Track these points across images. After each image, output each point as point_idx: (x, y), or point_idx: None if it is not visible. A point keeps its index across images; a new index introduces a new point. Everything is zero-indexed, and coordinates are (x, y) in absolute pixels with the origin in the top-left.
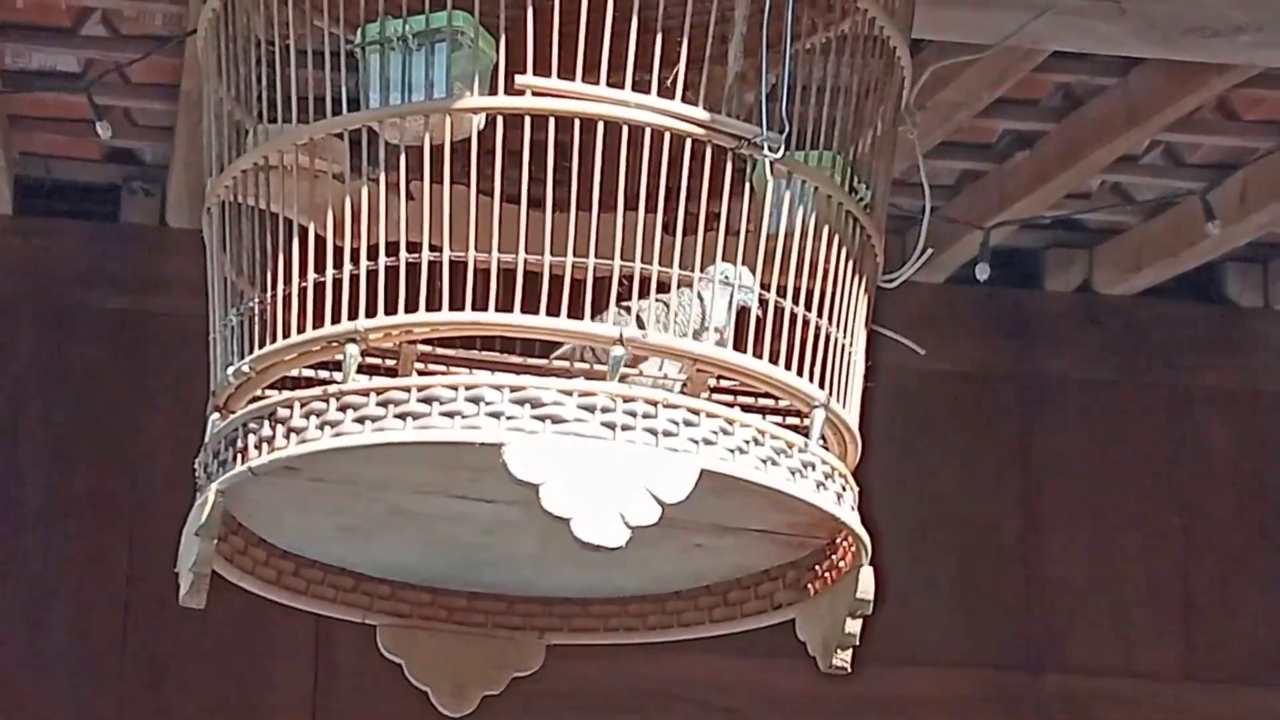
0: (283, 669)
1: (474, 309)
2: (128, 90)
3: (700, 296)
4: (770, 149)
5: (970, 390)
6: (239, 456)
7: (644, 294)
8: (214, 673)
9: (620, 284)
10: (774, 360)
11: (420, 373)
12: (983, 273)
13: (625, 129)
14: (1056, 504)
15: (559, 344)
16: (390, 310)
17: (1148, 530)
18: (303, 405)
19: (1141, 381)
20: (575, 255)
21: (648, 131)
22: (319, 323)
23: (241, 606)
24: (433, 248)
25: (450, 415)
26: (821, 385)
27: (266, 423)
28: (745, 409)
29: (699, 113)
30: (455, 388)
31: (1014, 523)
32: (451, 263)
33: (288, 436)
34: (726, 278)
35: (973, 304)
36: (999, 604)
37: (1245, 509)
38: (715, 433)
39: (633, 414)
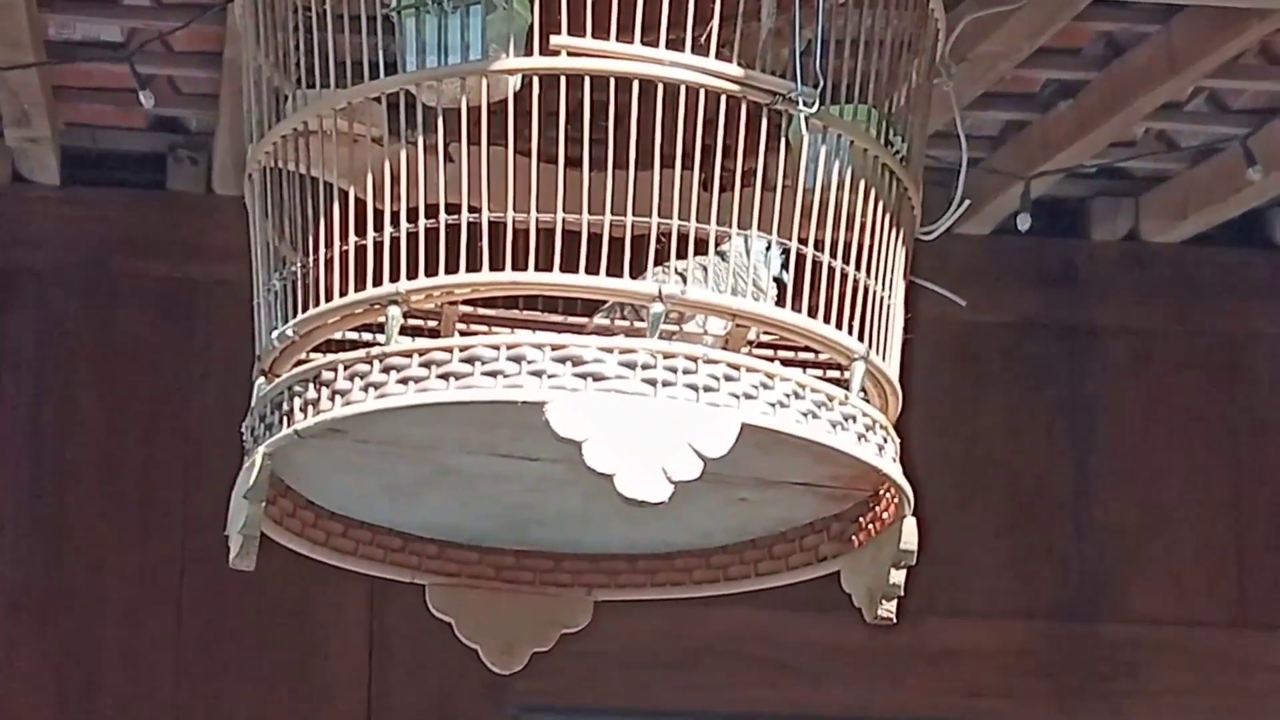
0: (337, 636)
1: (514, 269)
2: (171, 59)
3: (739, 254)
4: (805, 104)
5: (1018, 341)
6: (285, 420)
7: (682, 252)
8: (270, 638)
9: (659, 241)
10: (813, 314)
11: (462, 333)
12: (1024, 223)
13: (660, 87)
14: (1106, 454)
15: (600, 303)
16: (431, 272)
17: (1198, 478)
18: (346, 368)
19: (1190, 328)
20: (613, 214)
21: (683, 89)
22: (361, 285)
23: (296, 572)
24: (472, 209)
25: (492, 375)
26: (861, 338)
27: (311, 385)
28: (785, 363)
29: (734, 69)
30: (497, 347)
31: (1064, 473)
32: (491, 223)
33: (332, 399)
34: (766, 240)
35: (1019, 254)
36: (1050, 555)
37: None
38: (756, 387)
39: (673, 370)
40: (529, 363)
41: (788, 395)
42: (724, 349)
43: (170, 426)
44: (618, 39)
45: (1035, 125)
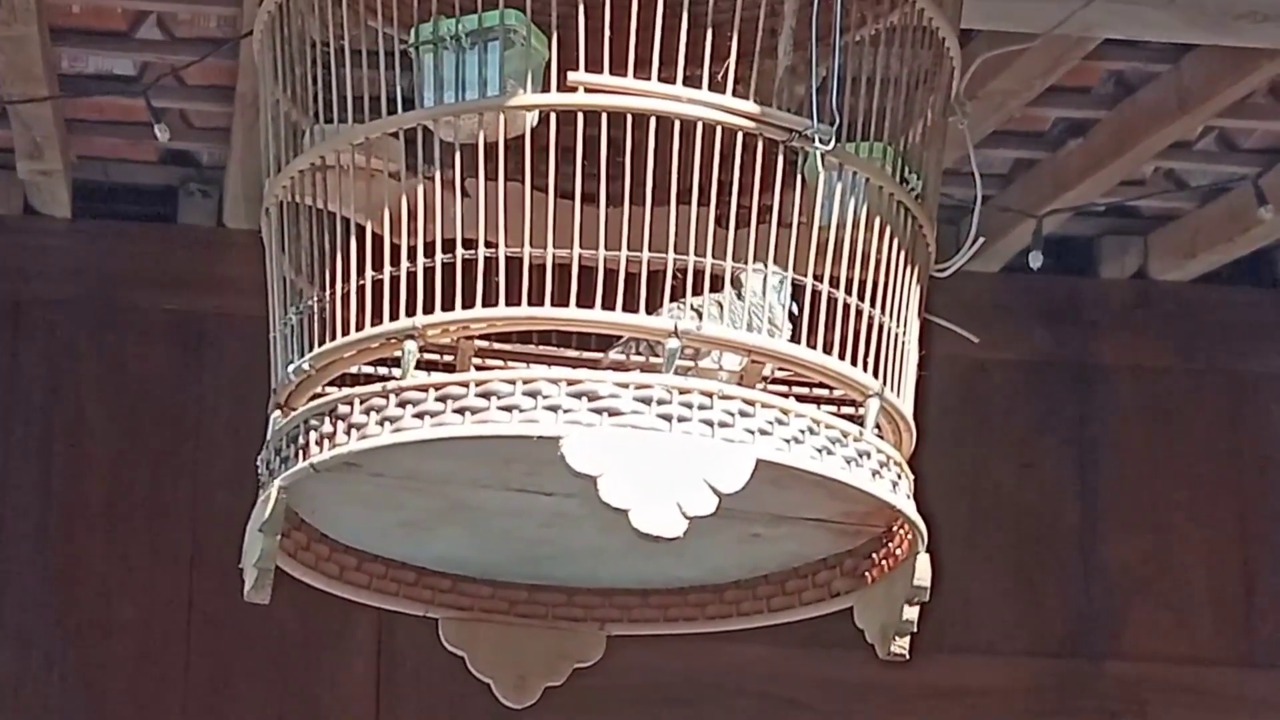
0: (346, 667)
1: (530, 304)
2: (183, 93)
3: (753, 292)
4: (821, 141)
5: (1027, 378)
6: (300, 453)
7: (698, 288)
8: (278, 671)
9: (674, 277)
10: (828, 350)
11: (478, 368)
12: (1036, 260)
13: (677, 123)
14: (1115, 491)
15: (615, 338)
16: (447, 307)
17: (1206, 517)
18: (362, 401)
19: (1198, 367)
20: (629, 249)
21: (699, 126)
22: (377, 320)
23: (304, 604)
24: (488, 244)
25: (508, 409)
26: (875, 374)
27: (327, 419)
28: (800, 399)
29: (750, 106)
30: (513, 382)
31: (1072, 510)
32: (507, 258)
33: (348, 432)
34: (778, 275)
35: (1029, 292)
36: (1058, 592)
37: None
38: (771, 423)
39: (689, 405)
40: (544, 397)
41: (802, 431)
42: (739, 385)
43: (179, 459)
44: (635, 75)
45: (1045, 163)
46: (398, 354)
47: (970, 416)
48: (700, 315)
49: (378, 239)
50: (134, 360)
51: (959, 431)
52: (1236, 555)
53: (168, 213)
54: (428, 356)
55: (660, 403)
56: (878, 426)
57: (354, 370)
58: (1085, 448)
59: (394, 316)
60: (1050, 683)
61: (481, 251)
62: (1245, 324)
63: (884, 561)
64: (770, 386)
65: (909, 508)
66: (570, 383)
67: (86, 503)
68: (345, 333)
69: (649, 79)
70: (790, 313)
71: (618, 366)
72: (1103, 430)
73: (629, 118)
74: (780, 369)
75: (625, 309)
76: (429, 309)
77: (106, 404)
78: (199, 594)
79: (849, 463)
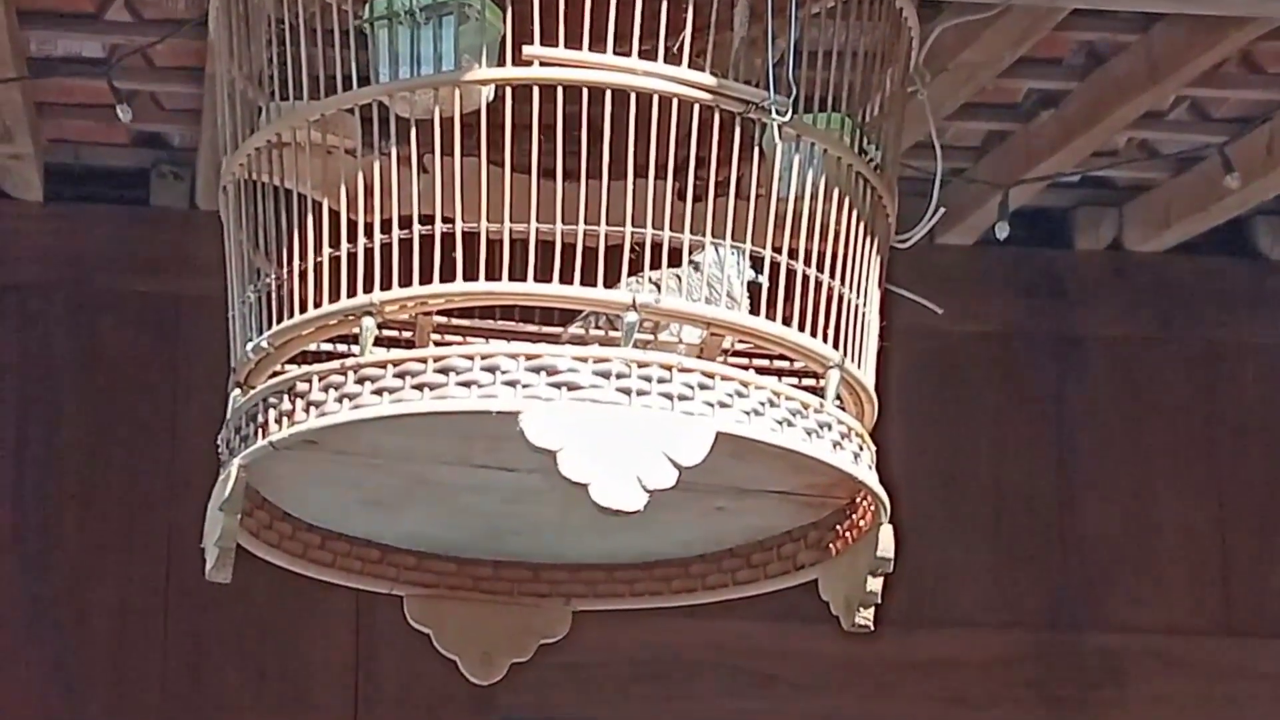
0: (323, 646)
1: (488, 279)
2: (153, 74)
3: (713, 263)
4: (778, 113)
5: (1003, 350)
6: (260, 431)
7: (656, 262)
8: (255, 652)
9: (633, 251)
10: (788, 322)
11: (438, 344)
12: (1002, 231)
13: (634, 97)
14: (1091, 462)
15: (575, 313)
16: (405, 283)
17: (1183, 486)
18: (321, 379)
19: (1174, 337)
20: (587, 223)
21: (655, 99)
22: (335, 297)
23: (281, 584)
24: (446, 220)
25: (467, 385)
26: (836, 346)
27: (286, 397)
28: (760, 372)
29: (706, 79)
30: (471, 357)
31: (1048, 482)
32: (464, 234)
33: (307, 410)
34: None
35: (1004, 264)
36: (1035, 564)
37: (1279, 462)
38: (731, 395)
39: (648, 379)
40: (503, 373)
41: (762, 403)
42: (699, 358)
43: (154, 440)
44: (591, 49)
45: (1017, 135)
46: (357, 331)
47: (947, 389)
48: (659, 289)
49: (335, 216)
50: (108, 343)
51: (935, 405)
52: (1213, 525)
53: (140, 195)
54: (388, 333)
55: (619, 376)
56: (839, 398)
57: (314, 347)
58: (1062, 419)
59: (352, 293)
60: (1029, 654)
61: (439, 227)
62: (1221, 293)
63: (848, 533)
64: (730, 359)
65: (871, 479)
66: (529, 357)
67: (62, 486)
68: (304, 310)
69: (605, 52)
70: (755, 283)
71: (577, 341)
72: (1079, 401)
73: (585, 91)
74: (740, 341)
75: (584, 283)
76: (387, 285)
77: (80, 387)
78: (175, 577)
79: (810, 435)
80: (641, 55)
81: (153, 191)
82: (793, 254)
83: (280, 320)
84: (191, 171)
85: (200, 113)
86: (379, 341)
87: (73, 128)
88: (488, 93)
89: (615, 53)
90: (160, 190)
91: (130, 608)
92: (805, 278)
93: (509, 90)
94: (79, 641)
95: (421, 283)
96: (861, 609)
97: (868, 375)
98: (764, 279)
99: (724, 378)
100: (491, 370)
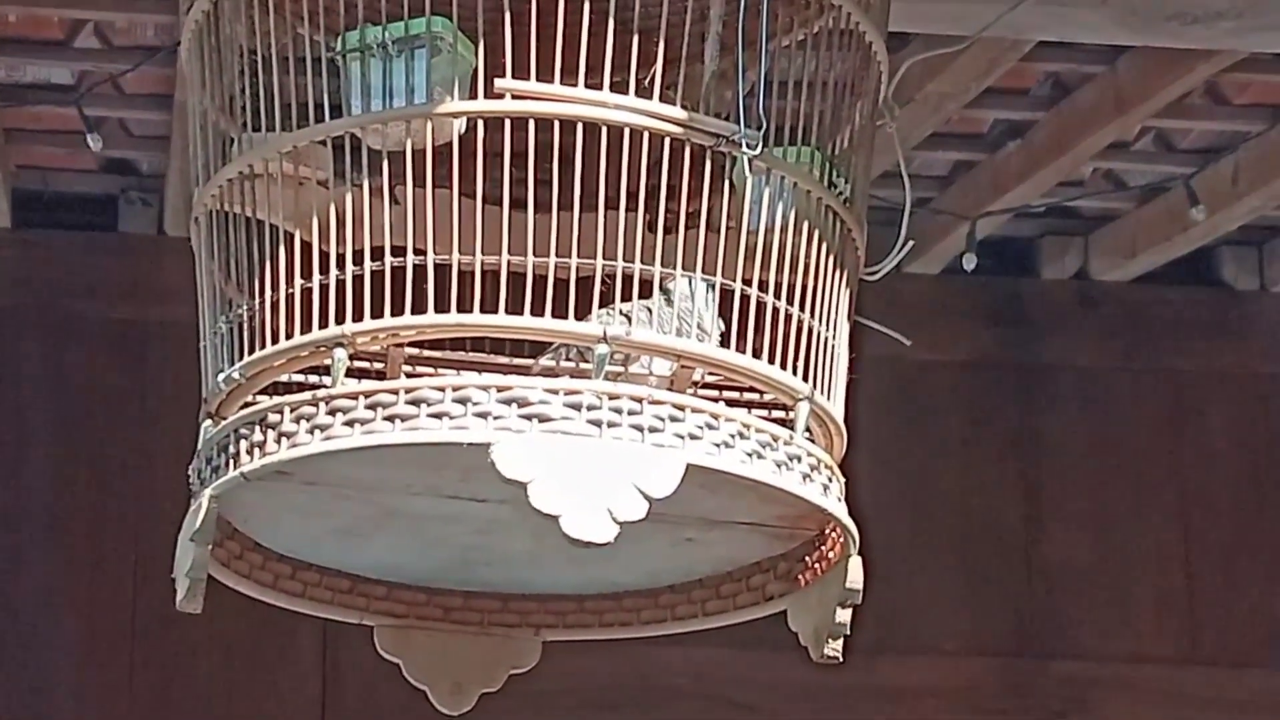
0: (290, 676)
1: (459, 311)
2: (122, 101)
3: (683, 296)
4: (748, 146)
5: (969, 380)
6: (231, 462)
7: (627, 294)
8: (222, 681)
9: (604, 283)
10: (757, 355)
11: (409, 375)
12: (969, 263)
13: (604, 129)
14: (1057, 491)
15: (546, 345)
16: (377, 314)
17: (1149, 515)
18: (293, 410)
19: (1139, 367)
20: (558, 255)
21: (626, 131)
22: (307, 328)
23: (248, 614)
24: (417, 251)
25: (438, 416)
26: (805, 378)
27: (257, 428)
28: (730, 404)
29: (677, 111)
30: (442, 389)
31: (1015, 511)
32: (436, 265)
33: (279, 441)
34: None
35: (970, 294)
36: (1002, 592)
37: (1245, 492)
38: (701, 428)
39: (619, 411)
40: (474, 404)
41: (733, 436)
42: (669, 390)
43: (122, 468)
44: (562, 82)
45: (984, 165)
46: (328, 362)
47: (913, 418)
48: (630, 320)
49: (307, 247)
50: (75, 369)
51: (902, 433)
52: (1178, 554)
53: (108, 221)
54: (360, 364)
55: (590, 408)
56: (808, 430)
57: (286, 378)
58: (1028, 448)
59: (324, 325)
60: (995, 682)
61: (410, 259)
62: (1186, 323)
63: (817, 565)
64: (701, 391)
65: (840, 511)
66: (500, 389)
67: (29, 512)
68: (275, 341)
69: (576, 85)
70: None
71: (548, 373)
72: (1045, 430)
73: (556, 124)
74: (710, 373)
75: (555, 316)
76: (358, 317)
77: (48, 413)
78: (142, 603)
79: (780, 467)
80: (613, 88)
81: (121, 218)
82: (762, 286)
83: (252, 351)
84: (160, 198)
85: (169, 139)
86: (350, 372)
87: (41, 154)
88: (459, 125)
89: (587, 85)
90: (129, 216)
91: (97, 634)
92: (775, 310)
93: (481, 122)
94: (45, 672)
95: (393, 314)
96: (830, 640)
97: (837, 407)
98: (727, 313)
99: (694, 410)
100: (463, 402)
